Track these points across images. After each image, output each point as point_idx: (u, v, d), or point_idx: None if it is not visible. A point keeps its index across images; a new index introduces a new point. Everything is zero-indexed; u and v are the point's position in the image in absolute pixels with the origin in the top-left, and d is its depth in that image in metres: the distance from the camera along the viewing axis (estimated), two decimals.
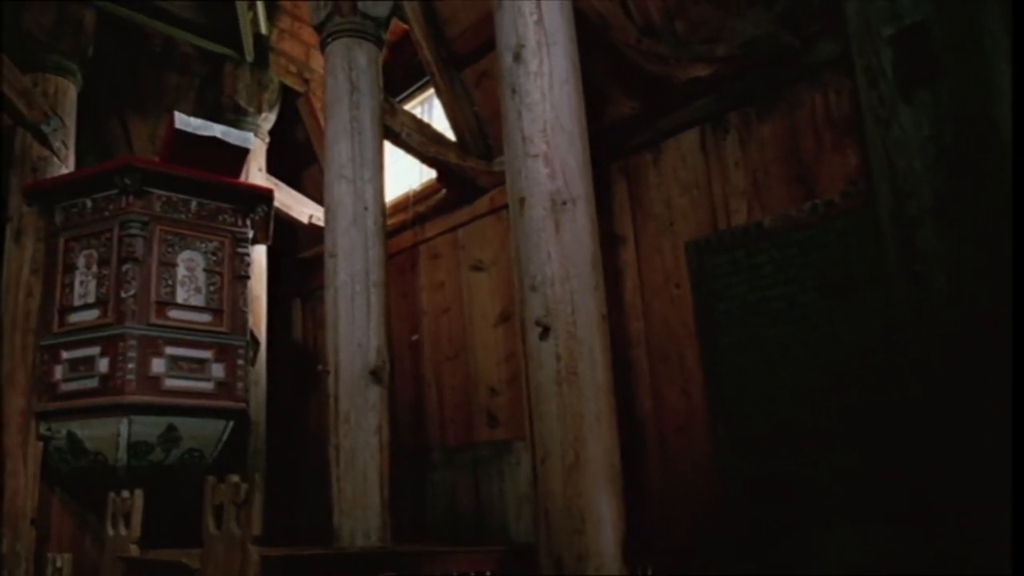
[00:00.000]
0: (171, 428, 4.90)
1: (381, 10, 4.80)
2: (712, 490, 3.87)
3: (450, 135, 5.57)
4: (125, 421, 4.75)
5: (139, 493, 3.78)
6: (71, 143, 5.59)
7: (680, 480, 4.05)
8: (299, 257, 6.96)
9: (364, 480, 4.04)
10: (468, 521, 5.09)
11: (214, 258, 5.29)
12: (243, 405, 5.25)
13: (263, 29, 6.50)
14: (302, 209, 6.64)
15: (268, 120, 6.67)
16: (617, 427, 3.25)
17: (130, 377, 4.76)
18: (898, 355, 3.20)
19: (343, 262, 4.40)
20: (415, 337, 5.81)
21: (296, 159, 7.07)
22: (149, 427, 4.83)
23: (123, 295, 4.90)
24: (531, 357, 3.26)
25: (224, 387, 5.13)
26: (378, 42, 4.82)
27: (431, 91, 6.13)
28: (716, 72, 4.06)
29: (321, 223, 5.11)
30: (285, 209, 6.42)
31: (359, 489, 4.03)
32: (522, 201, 3.40)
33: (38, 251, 5.24)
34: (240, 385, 5.21)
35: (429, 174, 5.87)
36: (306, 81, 6.63)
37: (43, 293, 5.14)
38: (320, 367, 4.47)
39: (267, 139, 6.68)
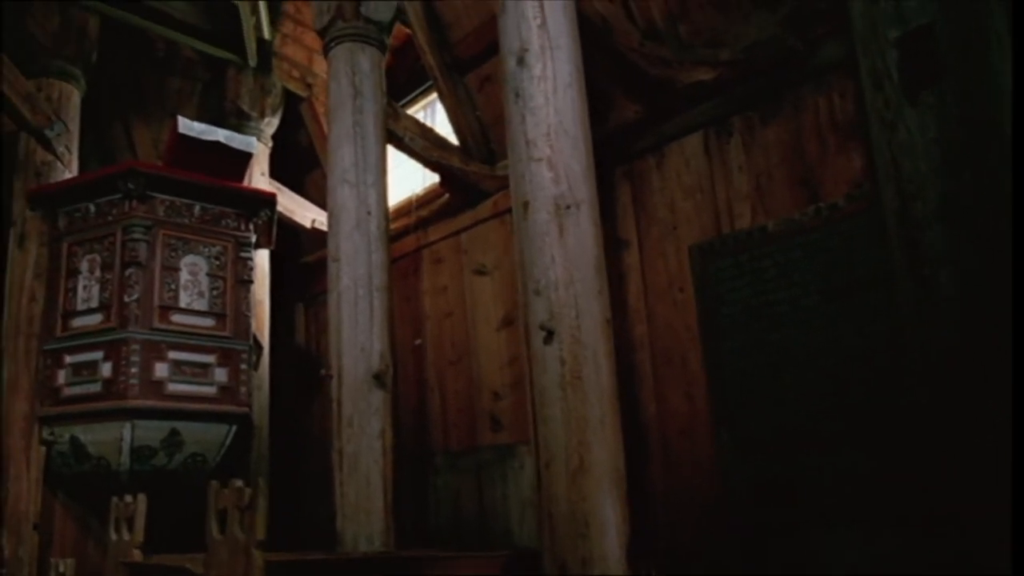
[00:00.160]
0: (174, 432, 4.90)
1: (384, 15, 4.80)
2: (716, 493, 3.87)
3: (453, 139, 5.57)
4: (128, 426, 4.75)
5: (142, 498, 3.79)
6: (74, 148, 5.60)
7: (684, 483, 4.04)
8: (302, 261, 6.97)
9: (367, 484, 4.04)
10: (472, 526, 5.08)
11: (217, 262, 5.30)
12: (246, 409, 5.25)
13: (266, 34, 6.50)
14: (305, 213, 6.64)
15: (271, 125, 6.69)
16: (621, 431, 3.24)
17: (133, 381, 4.77)
18: (901, 358, 3.20)
19: (346, 266, 4.39)
20: (418, 341, 5.81)
21: (299, 163, 7.09)
22: (152, 432, 4.84)
23: (126, 299, 4.90)
24: (535, 361, 3.25)
25: (227, 391, 5.13)
26: (381, 47, 4.82)
27: (434, 95, 6.14)
28: (720, 76, 4.06)
29: (324, 227, 5.11)
30: (288, 213, 6.42)
31: (362, 493, 4.03)
32: (526, 205, 3.39)
33: (41, 255, 5.25)
34: (243, 389, 5.21)
35: (432, 178, 5.88)
36: (309, 86, 6.64)
37: (46, 297, 5.14)
38: (323, 371, 4.47)
39: (270, 144, 6.69)
